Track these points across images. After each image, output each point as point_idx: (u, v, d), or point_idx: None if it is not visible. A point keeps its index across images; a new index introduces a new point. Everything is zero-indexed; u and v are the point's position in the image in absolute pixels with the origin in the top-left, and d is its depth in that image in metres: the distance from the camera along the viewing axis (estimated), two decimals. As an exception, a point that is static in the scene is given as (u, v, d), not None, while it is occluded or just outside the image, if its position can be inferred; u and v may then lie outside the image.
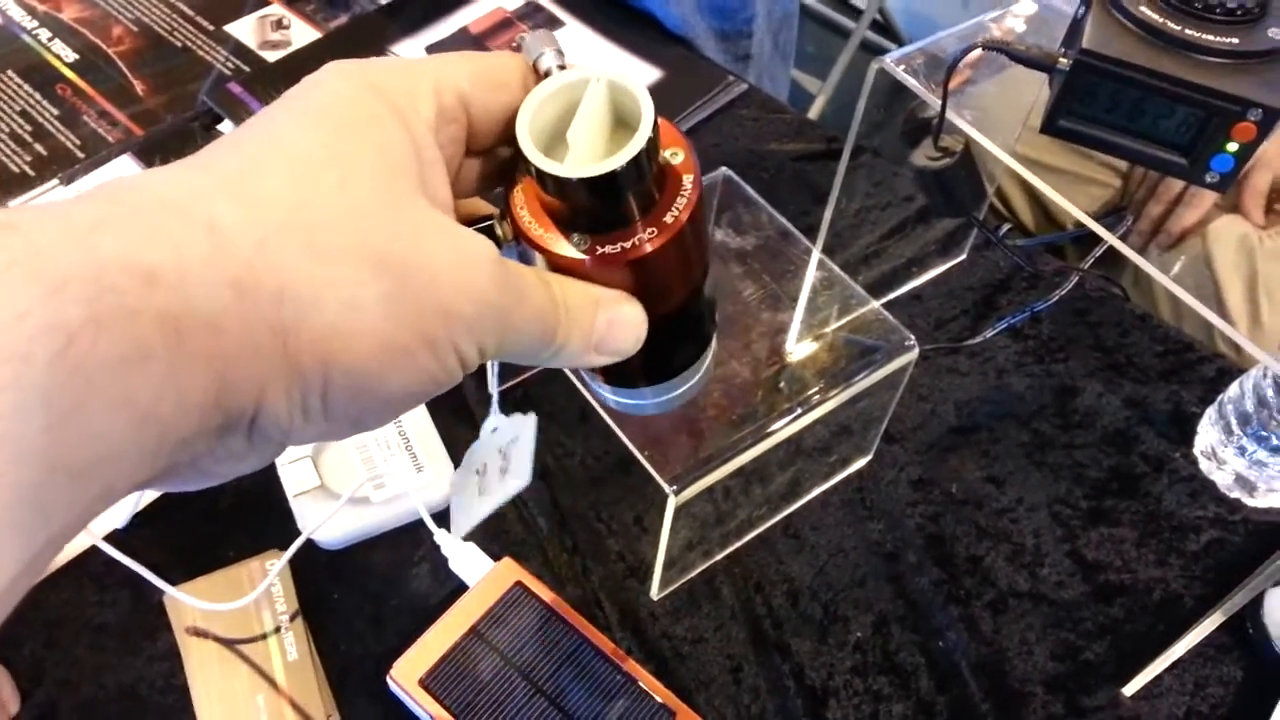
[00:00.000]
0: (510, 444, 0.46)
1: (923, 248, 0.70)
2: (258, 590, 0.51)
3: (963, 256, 0.71)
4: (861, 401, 0.54)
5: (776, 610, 0.55)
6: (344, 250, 0.23)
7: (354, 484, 0.55)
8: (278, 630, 0.52)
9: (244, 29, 0.78)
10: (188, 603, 0.50)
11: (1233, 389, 0.61)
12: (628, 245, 0.29)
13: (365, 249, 0.23)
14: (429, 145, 0.26)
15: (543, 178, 0.28)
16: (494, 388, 0.42)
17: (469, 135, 0.27)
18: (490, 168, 0.29)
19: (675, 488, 0.47)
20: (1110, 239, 0.49)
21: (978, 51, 0.44)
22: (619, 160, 0.27)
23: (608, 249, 0.29)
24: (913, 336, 0.53)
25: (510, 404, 0.61)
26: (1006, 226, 0.74)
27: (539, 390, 0.61)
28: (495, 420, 0.46)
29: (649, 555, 0.56)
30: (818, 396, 0.51)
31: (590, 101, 0.28)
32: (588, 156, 0.28)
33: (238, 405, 0.22)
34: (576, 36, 0.79)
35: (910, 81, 0.48)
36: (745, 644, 0.53)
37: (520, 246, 0.29)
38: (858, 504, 0.59)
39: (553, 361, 0.29)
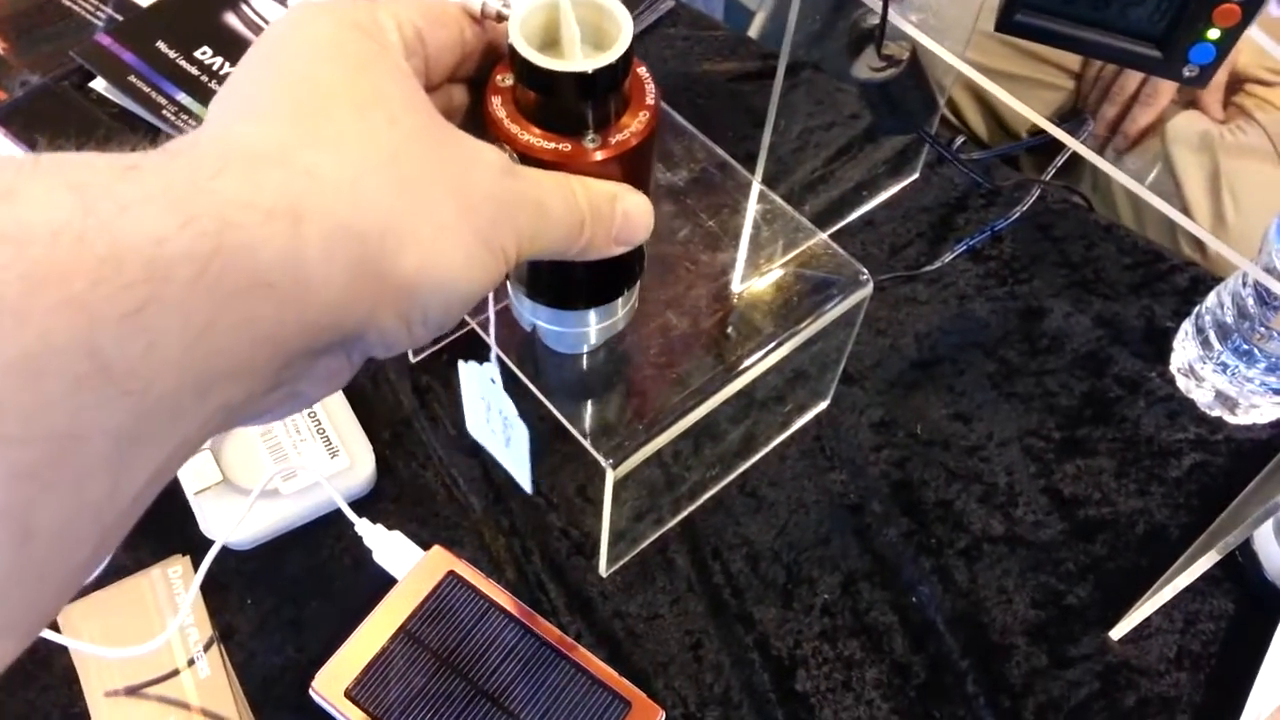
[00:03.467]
0: (508, 421, 0.42)
1: (871, 169, 0.64)
2: (169, 630, 0.45)
3: (915, 176, 0.66)
4: (816, 344, 0.49)
5: (736, 577, 0.50)
6: (422, 180, 0.26)
7: (261, 477, 0.49)
8: (191, 662, 0.46)
9: (113, -27, 0.70)
10: (89, 652, 0.45)
11: (1209, 300, 0.57)
12: (623, 138, 0.33)
13: (436, 176, 0.26)
14: (416, 75, 0.28)
15: (550, 78, 0.31)
16: (491, 309, 0.40)
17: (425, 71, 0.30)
18: (440, 103, 0.30)
19: (611, 461, 0.42)
20: (1074, 145, 0.44)
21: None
22: (618, 50, 0.31)
23: (614, 140, 0.33)
24: (866, 270, 0.48)
25: (437, 370, 0.56)
26: (960, 140, 0.69)
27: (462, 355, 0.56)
28: (493, 370, 0.41)
29: (595, 529, 0.51)
30: (767, 344, 0.46)
31: (568, 14, 0.32)
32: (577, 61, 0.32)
33: (349, 327, 0.24)
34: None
35: (845, -17, 0.42)
36: (704, 617, 0.49)
37: (511, 158, 0.32)
38: (817, 454, 0.54)
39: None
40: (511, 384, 0.42)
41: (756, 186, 0.51)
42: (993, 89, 0.44)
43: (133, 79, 0.63)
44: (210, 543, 0.48)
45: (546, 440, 0.52)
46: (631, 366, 0.47)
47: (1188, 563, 0.50)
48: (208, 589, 0.48)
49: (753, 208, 0.51)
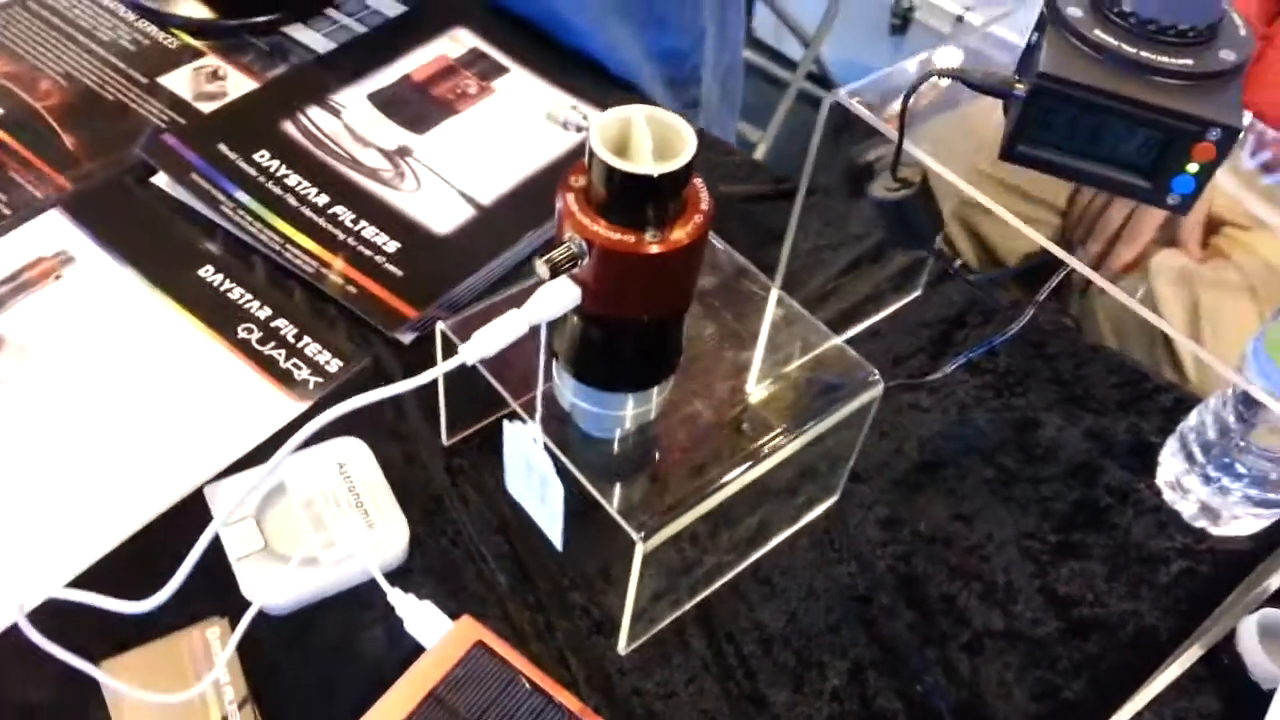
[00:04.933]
0: (545, 480, 0.45)
1: (878, 284, 0.69)
2: (204, 683, 0.47)
3: (918, 292, 0.70)
4: (828, 440, 0.53)
5: (749, 660, 0.53)
6: None
7: (302, 545, 0.52)
8: (224, 719, 0.48)
9: (178, 81, 0.76)
10: (124, 692, 0.47)
11: (1192, 418, 0.61)
12: (678, 236, 0.38)
13: None
14: None
15: (624, 178, 0.37)
16: (540, 384, 0.45)
17: None
18: None
19: (643, 534, 0.45)
20: (1080, 267, 0.49)
21: (937, 81, 0.44)
22: (683, 160, 0.37)
23: (671, 237, 0.38)
24: (877, 372, 0.52)
25: (468, 452, 0.59)
26: (958, 262, 0.74)
27: (498, 437, 0.59)
28: (536, 432, 0.44)
29: (615, 608, 0.53)
30: (783, 437, 0.49)
31: (642, 126, 0.38)
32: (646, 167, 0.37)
33: None
34: (521, 83, 0.78)
35: (864, 112, 0.47)
36: (718, 697, 0.51)
37: (580, 248, 0.38)
38: (826, 546, 0.57)
39: None
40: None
41: (775, 291, 0.55)
42: (1003, 214, 0.48)
43: (194, 176, 0.68)
44: (246, 607, 0.50)
45: (571, 521, 0.54)
46: (659, 451, 0.51)
47: (1175, 664, 0.53)
48: (244, 650, 0.50)
49: (771, 309, 0.55)
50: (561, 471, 0.47)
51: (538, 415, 0.46)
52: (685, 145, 0.37)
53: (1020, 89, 0.41)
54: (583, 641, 0.52)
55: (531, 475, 0.50)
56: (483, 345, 0.40)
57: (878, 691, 0.52)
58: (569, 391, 0.46)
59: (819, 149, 0.54)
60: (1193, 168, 0.40)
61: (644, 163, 0.37)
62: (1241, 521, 0.59)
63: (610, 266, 0.39)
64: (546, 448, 0.46)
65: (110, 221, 0.66)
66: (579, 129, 0.40)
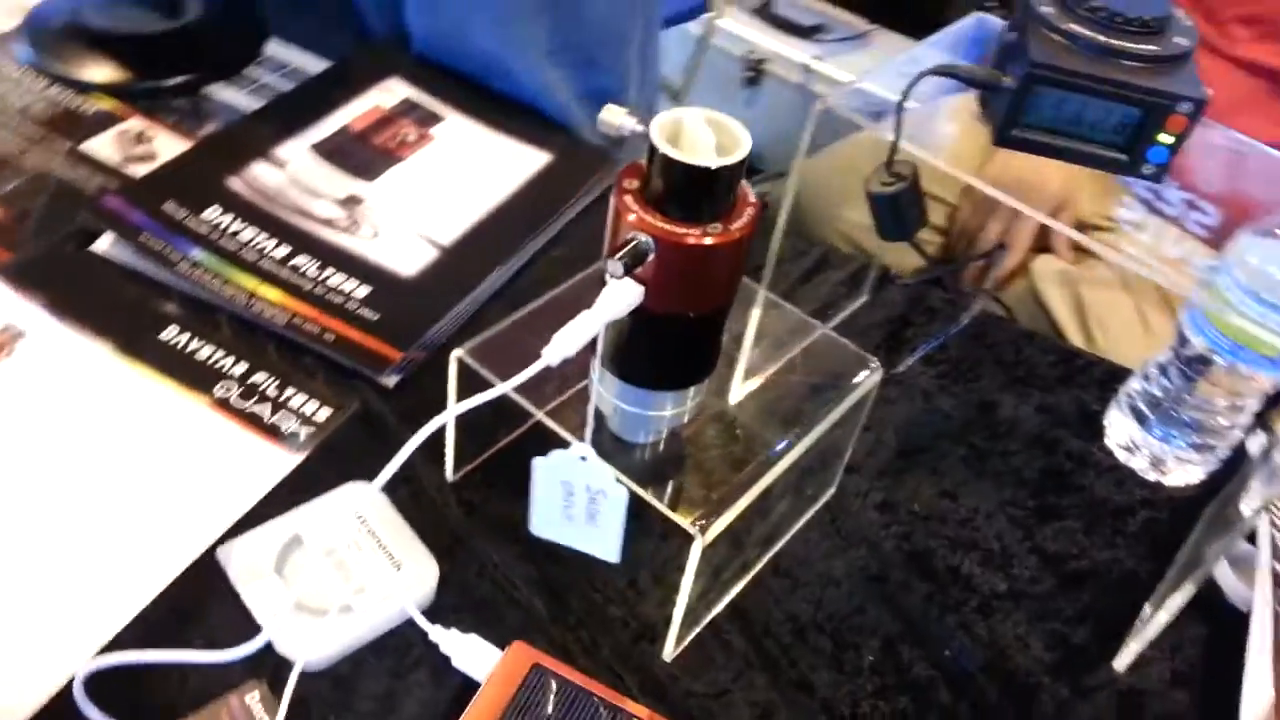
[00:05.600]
0: (599, 495, 0.46)
1: (830, 293, 0.73)
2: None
3: (865, 297, 0.75)
4: (834, 430, 0.55)
5: (789, 649, 0.54)
6: None
7: (333, 595, 0.51)
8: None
9: (103, 146, 0.73)
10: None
11: (1134, 383, 0.67)
12: (735, 227, 0.41)
13: None
14: None
15: (688, 171, 0.39)
16: (592, 410, 0.46)
17: None
18: None
19: (700, 525, 0.46)
20: (1072, 235, 0.53)
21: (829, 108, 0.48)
22: (740, 154, 0.39)
23: (732, 227, 0.40)
24: (875, 360, 0.56)
25: (475, 485, 0.59)
26: (892, 270, 0.79)
27: (515, 464, 0.59)
28: (585, 449, 0.45)
29: (653, 616, 0.54)
30: (800, 427, 0.52)
31: (701, 124, 0.40)
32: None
33: None
34: (459, 129, 0.79)
35: (857, 116, 0.51)
36: (767, 688, 0.53)
37: (646, 244, 0.40)
38: (834, 535, 0.60)
39: None
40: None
41: (762, 292, 0.58)
42: (1003, 198, 0.52)
43: (145, 238, 0.65)
44: (284, 663, 0.49)
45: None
46: (692, 451, 0.52)
47: (1163, 599, 0.58)
48: (289, 711, 0.48)
49: (759, 308, 0.58)
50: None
51: (588, 433, 0.47)
52: (740, 141, 0.40)
53: (1008, 80, 0.46)
54: (629, 652, 0.53)
55: (573, 501, 0.50)
56: (563, 347, 0.40)
57: (911, 661, 0.55)
58: (611, 396, 0.47)
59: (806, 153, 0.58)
60: (1165, 139, 0.45)
61: (704, 158, 0.39)
62: (1188, 470, 0.65)
63: (675, 261, 0.41)
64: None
65: (57, 291, 0.63)
66: (633, 134, 0.41)
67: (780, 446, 0.50)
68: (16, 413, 0.57)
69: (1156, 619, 0.56)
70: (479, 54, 0.82)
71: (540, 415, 0.49)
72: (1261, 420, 0.66)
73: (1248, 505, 0.60)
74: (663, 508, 0.47)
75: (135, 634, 0.49)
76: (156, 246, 0.65)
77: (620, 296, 0.41)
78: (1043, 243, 1.17)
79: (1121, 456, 0.67)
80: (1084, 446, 0.67)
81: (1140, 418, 0.65)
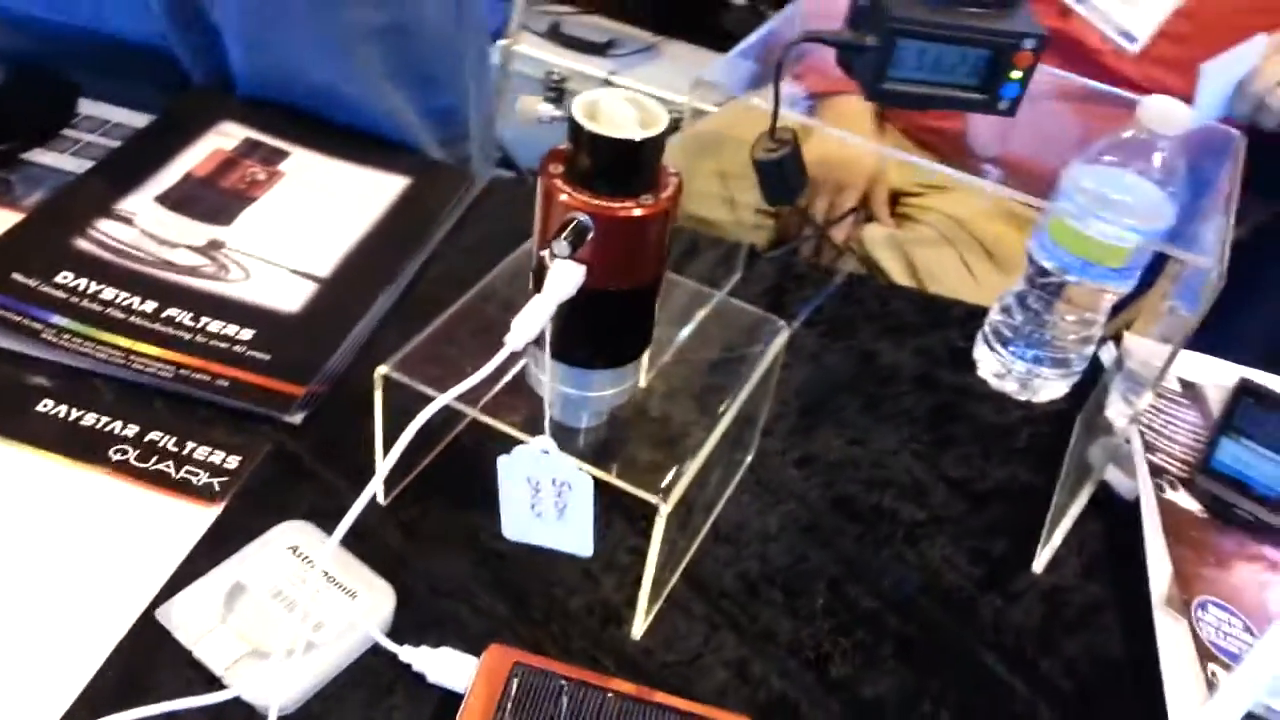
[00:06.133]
0: (564, 487, 0.45)
1: (708, 273, 0.76)
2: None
3: (739, 273, 0.78)
4: (751, 395, 0.58)
5: (746, 606, 0.56)
6: None
7: (290, 635, 0.49)
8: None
9: (-81, 226, 0.67)
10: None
11: (995, 314, 0.73)
12: (665, 196, 0.43)
13: None
14: None
15: (619, 145, 0.40)
16: (548, 401, 0.46)
17: None
18: None
19: (661, 495, 0.47)
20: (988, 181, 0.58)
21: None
22: (662, 126, 0.41)
23: (661, 198, 0.43)
24: (781, 320, 0.59)
25: (407, 504, 0.58)
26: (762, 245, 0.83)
27: (444, 478, 0.58)
28: (546, 442, 0.44)
29: (614, 600, 0.55)
30: (729, 394, 0.54)
31: (614, 104, 0.42)
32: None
33: None
34: (307, 162, 0.78)
35: (730, 90, 0.54)
36: (736, 645, 0.54)
37: (585, 223, 0.42)
38: (763, 494, 0.62)
39: None
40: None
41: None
42: (921, 163, 0.56)
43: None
44: (250, 715, 0.47)
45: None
46: (633, 430, 0.53)
47: (1063, 504, 0.63)
48: (272, 755, 0.46)
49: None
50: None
51: (547, 424, 0.47)
52: (659, 115, 0.42)
53: (871, 39, 0.50)
54: (599, 637, 0.53)
55: (540, 495, 0.50)
56: (523, 331, 0.41)
57: (858, 597, 0.58)
58: (557, 382, 0.48)
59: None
60: (1016, 74, 0.50)
61: (630, 131, 0.41)
62: (1053, 387, 0.72)
63: (613, 235, 0.42)
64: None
65: (-96, 380, 0.58)
66: (553, 119, 0.42)
67: (720, 409, 0.52)
68: (-111, 513, 0.52)
69: (1062, 523, 0.62)
70: (315, 88, 0.80)
71: (482, 416, 0.50)
72: (1108, 335, 0.73)
73: (1114, 410, 0.67)
74: (626, 486, 0.48)
75: (88, 708, 0.46)
76: (13, 319, 0.61)
77: (566, 277, 0.42)
78: (867, 214, 1.25)
79: (994, 384, 0.73)
80: (961, 379, 0.73)
81: (1004, 344, 0.71)
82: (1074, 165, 0.63)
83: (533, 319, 0.41)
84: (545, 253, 0.43)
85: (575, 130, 0.41)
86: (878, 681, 0.54)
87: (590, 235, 0.41)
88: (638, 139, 0.40)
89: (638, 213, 0.42)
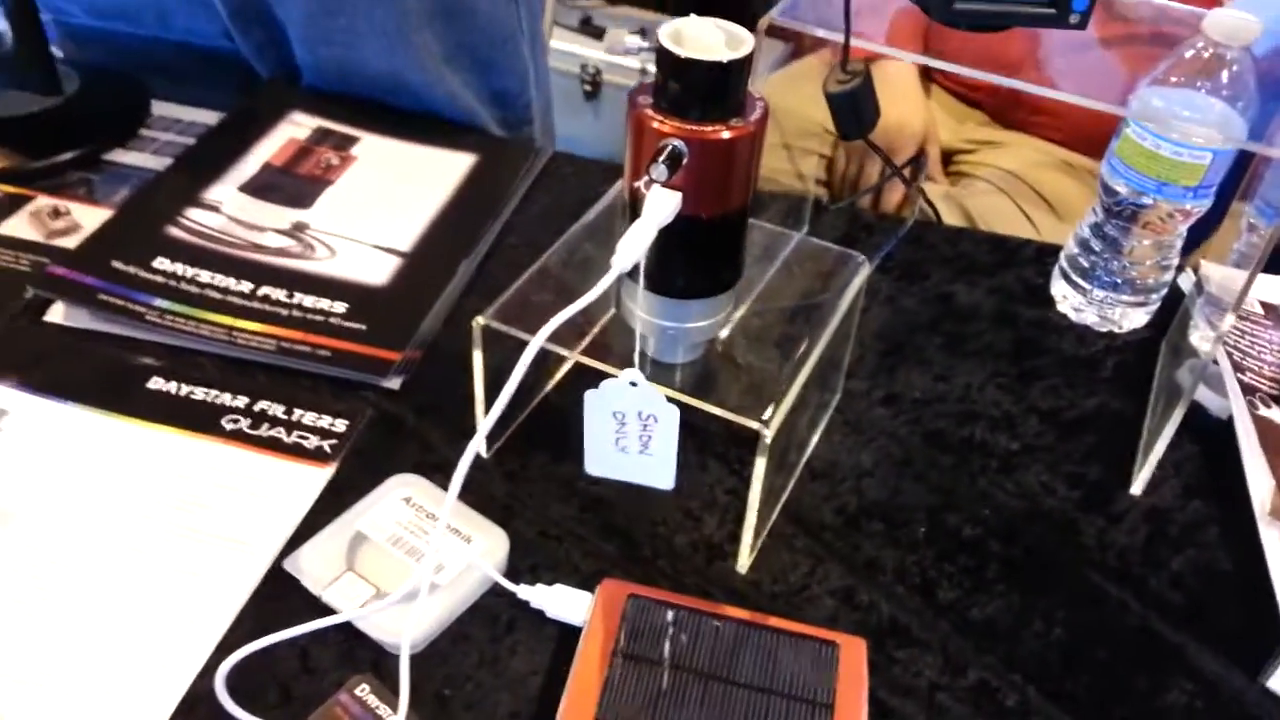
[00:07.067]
0: (650, 420, 0.46)
1: (778, 224, 0.76)
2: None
3: (806, 227, 0.79)
4: (835, 335, 0.58)
5: (848, 537, 0.57)
6: None
7: (414, 577, 0.50)
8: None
9: (19, 227, 0.70)
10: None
11: (1072, 247, 0.73)
12: (754, 118, 0.44)
13: None
14: None
15: (706, 68, 0.41)
16: (638, 336, 0.47)
17: None
18: None
19: (764, 419, 0.48)
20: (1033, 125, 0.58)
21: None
22: (748, 49, 0.42)
23: (751, 120, 0.43)
24: (858, 254, 0.59)
25: (512, 457, 0.59)
26: (827, 196, 0.84)
27: (543, 427, 0.60)
28: (635, 374, 0.45)
29: (718, 537, 0.56)
30: (817, 325, 0.54)
31: (709, 28, 0.43)
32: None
33: None
34: (377, 147, 0.79)
35: (803, 26, 0.55)
36: (843, 575, 0.55)
37: (680, 148, 0.43)
38: (853, 433, 0.63)
39: None
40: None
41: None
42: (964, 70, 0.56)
43: (105, 297, 0.63)
44: (380, 655, 0.48)
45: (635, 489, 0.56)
46: (723, 372, 0.54)
47: (1157, 426, 0.63)
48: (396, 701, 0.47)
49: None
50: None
51: (636, 357, 0.48)
52: (744, 37, 0.42)
53: (944, -37, 0.50)
54: (706, 571, 0.54)
55: (625, 431, 0.51)
56: (628, 254, 0.42)
57: (959, 525, 0.58)
58: (650, 316, 0.49)
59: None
60: (1089, -13, 0.50)
61: (717, 54, 0.42)
62: (1134, 316, 0.72)
63: (706, 159, 0.43)
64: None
65: (24, 366, 0.60)
66: (638, 49, 0.43)
67: (805, 346, 0.53)
68: (25, 493, 0.54)
69: (1156, 445, 0.62)
70: (377, 76, 0.82)
71: (580, 357, 0.51)
72: (1184, 262, 0.73)
73: (1198, 334, 0.67)
74: (724, 413, 0.49)
75: (228, 651, 0.48)
76: (118, 303, 0.63)
77: (664, 203, 0.43)
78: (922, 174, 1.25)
79: (1074, 317, 0.73)
80: (1040, 314, 0.73)
81: (1084, 276, 0.71)
82: (1142, 86, 0.63)
83: (636, 242, 0.42)
84: (640, 183, 0.44)
85: (663, 57, 0.42)
86: (986, 604, 0.54)
87: (684, 160, 0.42)
88: (725, 60, 0.41)
89: (727, 135, 0.43)
